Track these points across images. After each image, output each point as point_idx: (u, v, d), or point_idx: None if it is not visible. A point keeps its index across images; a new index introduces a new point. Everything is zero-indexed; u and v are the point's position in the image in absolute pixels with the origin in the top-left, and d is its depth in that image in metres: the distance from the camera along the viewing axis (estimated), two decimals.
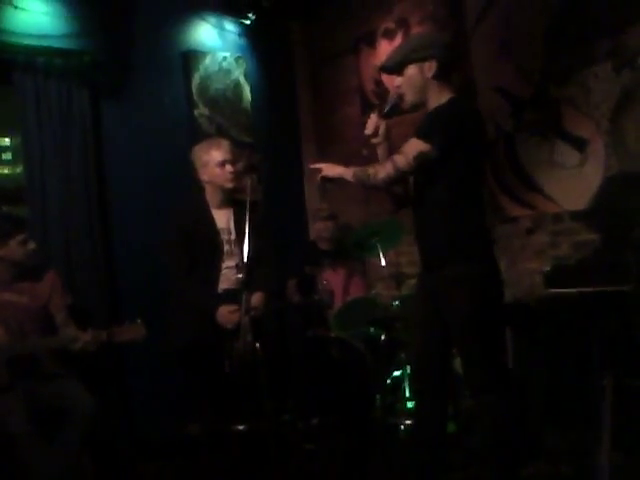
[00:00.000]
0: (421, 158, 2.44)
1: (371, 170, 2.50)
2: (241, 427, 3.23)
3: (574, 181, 3.57)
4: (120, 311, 3.74)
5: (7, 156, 4.03)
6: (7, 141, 4.03)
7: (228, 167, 3.36)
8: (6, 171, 4.03)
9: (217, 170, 3.35)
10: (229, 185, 3.38)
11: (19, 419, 2.77)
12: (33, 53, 3.65)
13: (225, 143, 3.43)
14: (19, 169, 3.85)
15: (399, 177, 2.52)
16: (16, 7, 3.63)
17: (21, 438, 2.76)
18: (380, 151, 2.67)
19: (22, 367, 2.90)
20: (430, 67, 2.54)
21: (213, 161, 3.35)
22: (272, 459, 3.07)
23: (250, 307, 3.09)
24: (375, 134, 2.64)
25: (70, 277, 3.60)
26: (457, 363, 3.16)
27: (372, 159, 2.66)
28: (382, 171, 2.48)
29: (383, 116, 2.66)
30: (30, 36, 3.66)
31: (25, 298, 3.08)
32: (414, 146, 2.45)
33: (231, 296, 3.22)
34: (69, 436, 2.87)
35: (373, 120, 2.64)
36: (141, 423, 3.79)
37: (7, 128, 3.93)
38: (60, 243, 3.68)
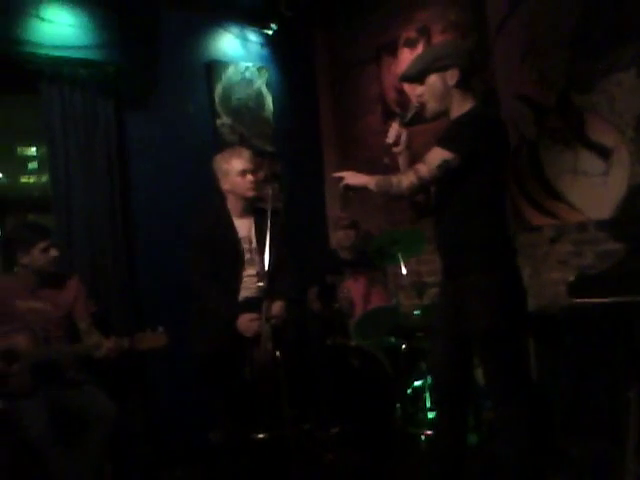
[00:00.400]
0: (444, 167, 2.42)
1: (394, 179, 2.49)
2: (261, 435, 3.23)
3: (598, 190, 3.52)
4: (142, 319, 3.77)
5: (33, 165, 4.09)
6: (33, 150, 4.09)
7: (249, 176, 3.37)
8: (32, 180, 4.09)
9: (238, 179, 3.37)
10: (250, 194, 3.39)
11: (42, 425, 2.81)
12: (59, 64, 3.70)
13: (246, 152, 3.45)
14: (45, 178, 3.90)
15: (422, 186, 2.50)
16: (42, 19, 3.70)
17: (44, 444, 2.80)
18: (401, 160, 2.66)
19: (46, 373, 2.94)
20: (452, 75, 2.53)
21: (234, 170, 3.38)
22: (291, 468, 3.07)
23: (271, 315, 3.09)
24: (397, 143, 2.64)
25: (94, 285, 3.64)
26: (479, 373, 3.13)
27: (393, 168, 2.66)
28: (405, 180, 2.46)
29: (404, 125, 2.66)
30: (56, 47, 3.71)
31: (49, 305, 3.12)
32: (437, 155, 2.44)
33: (252, 304, 3.23)
34: (91, 442, 2.90)
35: (394, 129, 2.64)
36: (162, 430, 3.81)
37: (33, 138, 4.00)
38: (85, 251, 3.73)
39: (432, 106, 2.59)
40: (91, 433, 2.90)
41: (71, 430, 2.89)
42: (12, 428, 2.83)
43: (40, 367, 2.91)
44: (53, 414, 2.85)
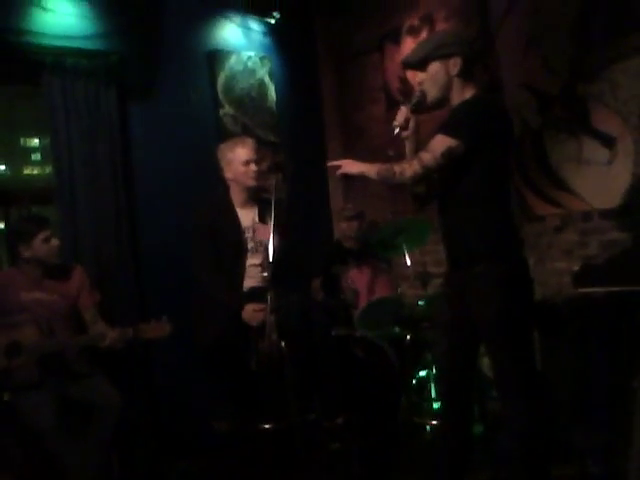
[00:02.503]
0: (449, 154, 2.40)
1: (397, 168, 2.45)
2: (267, 426, 3.24)
3: (603, 179, 3.51)
4: (146, 309, 3.77)
5: (36, 157, 4.08)
6: (36, 142, 4.08)
7: (252, 166, 3.39)
8: (36, 171, 4.09)
9: (241, 168, 3.38)
10: (252, 183, 3.40)
11: (49, 416, 2.82)
12: (61, 54, 3.68)
13: (250, 142, 3.47)
14: (48, 169, 3.89)
15: (426, 174, 2.47)
16: (44, 8, 3.68)
17: (51, 435, 2.81)
18: (408, 145, 2.62)
19: (51, 365, 2.95)
20: (455, 64, 2.50)
21: (238, 159, 3.39)
22: (297, 458, 3.08)
23: (275, 306, 3.09)
24: (405, 127, 2.60)
25: (98, 275, 3.63)
26: (484, 363, 3.13)
27: (398, 159, 2.62)
28: (409, 169, 2.42)
29: (412, 110, 2.62)
30: (58, 37, 3.70)
31: (54, 296, 3.12)
32: (441, 142, 2.41)
33: (257, 294, 3.23)
34: (98, 432, 2.91)
35: (403, 112, 2.58)
36: (167, 420, 3.82)
37: (36, 129, 3.99)
38: (89, 242, 3.72)
39: (433, 94, 2.55)
40: (97, 424, 2.90)
41: (77, 421, 2.90)
42: (19, 420, 2.84)
43: (45, 359, 2.92)
44: (59, 406, 2.86)
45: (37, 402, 2.83)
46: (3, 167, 4.05)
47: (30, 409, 2.82)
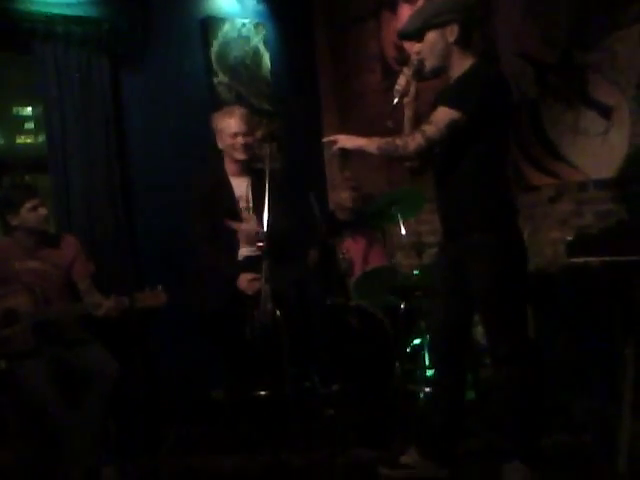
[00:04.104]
0: (452, 126, 2.39)
1: (399, 142, 2.43)
2: (262, 393, 3.27)
3: (599, 149, 3.50)
4: (142, 278, 3.77)
5: (29, 125, 4.05)
6: (29, 110, 4.05)
7: (239, 139, 3.37)
8: (29, 140, 4.05)
9: (229, 140, 3.38)
10: (240, 157, 3.40)
11: (45, 384, 2.83)
12: (52, 22, 3.63)
13: (238, 113, 3.42)
14: (42, 138, 3.87)
15: (430, 147, 2.45)
16: None
17: (47, 403, 2.82)
18: (407, 113, 2.60)
19: (47, 333, 2.95)
20: (452, 32, 2.48)
21: (227, 130, 3.38)
22: (292, 425, 3.11)
23: (271, 275, 3.10)
24: (406, 92, 2.58)
25: (93, 244, 3.63)
26: (477, 332, 3.16)
27: (397, 131, 2.60)
28: (412, 143, 2.41)
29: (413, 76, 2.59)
30: (49, 4, 3.64)
31: (48, 265, 3.11)
32: (444, 114, 2.40)
33: (252, 263, 3.24)
34: (94, 399, 2.93)
35: (406, 75, 2.57)
36: (164, 389, 3.85)
37: (29, 97, 3.95)
38: (82, 211, 3.72)
39: (431, 63, 2.53)
40: (93, 391, 2.92)
41: (74, 389, 2.92)
42: (15, 388, 2.85)
43: (41, 327, 2.93)
44: (55, 373, 2.88)
45: (33, 370, 2.84)
46: None
47: (26, 377, 2.83)
